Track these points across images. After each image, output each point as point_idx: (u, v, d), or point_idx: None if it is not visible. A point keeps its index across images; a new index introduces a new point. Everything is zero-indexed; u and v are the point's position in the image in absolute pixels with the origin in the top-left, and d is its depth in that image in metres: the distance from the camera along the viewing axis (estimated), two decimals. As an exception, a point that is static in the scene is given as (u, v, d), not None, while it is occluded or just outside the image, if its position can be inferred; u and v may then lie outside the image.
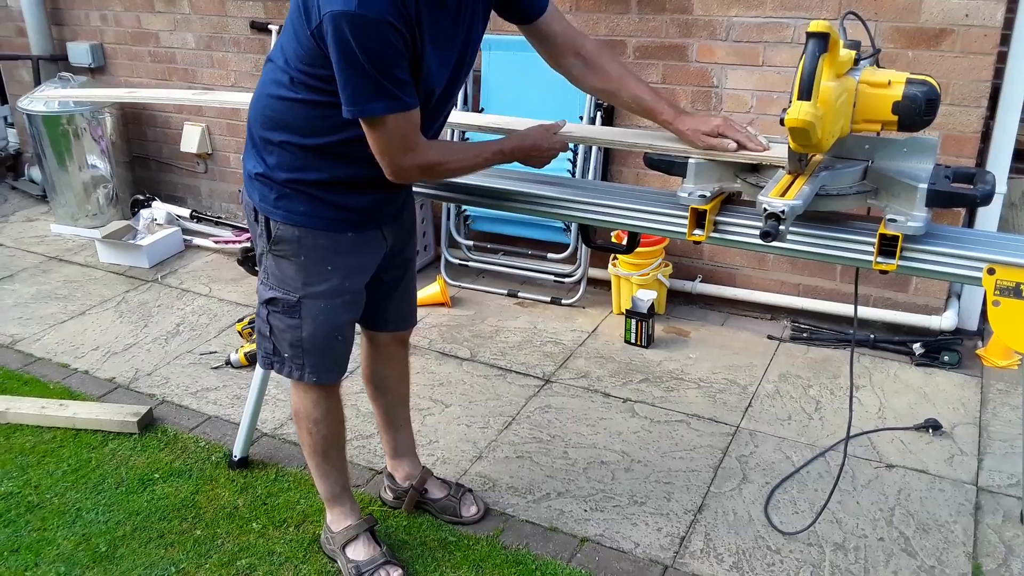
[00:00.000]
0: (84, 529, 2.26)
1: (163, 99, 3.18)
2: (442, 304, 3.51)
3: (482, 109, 3.52)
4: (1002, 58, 2.76)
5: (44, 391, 2.91)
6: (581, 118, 3.30)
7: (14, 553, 2.18)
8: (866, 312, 3.14)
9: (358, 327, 2.04)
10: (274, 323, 1.88)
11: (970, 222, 3.01)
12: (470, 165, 1.82)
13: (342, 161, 1.72)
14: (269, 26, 3.86)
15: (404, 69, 1.56)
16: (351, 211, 1.80)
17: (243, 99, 2.57)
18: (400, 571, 2.05)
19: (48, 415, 2.70)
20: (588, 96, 3.27)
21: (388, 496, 2.34)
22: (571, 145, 3.33)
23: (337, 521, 2.11)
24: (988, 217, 2.95)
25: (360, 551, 2.08)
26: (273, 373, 1.99)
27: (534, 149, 1.85)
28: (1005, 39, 2.72)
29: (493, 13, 1.80)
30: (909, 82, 1.58)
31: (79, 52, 4.65)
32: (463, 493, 2.30)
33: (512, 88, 3.44)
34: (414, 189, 2.28)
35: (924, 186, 1.58)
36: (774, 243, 1.57)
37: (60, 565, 2.13)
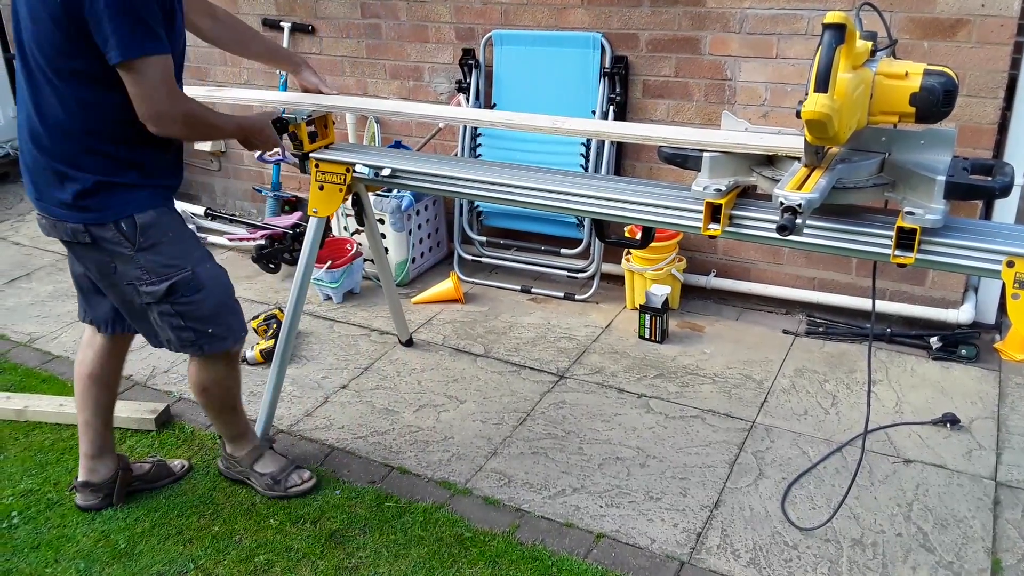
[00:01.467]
0: (103, 526, 2.28)
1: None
2: (455, 300, 3.51)
3: (494, 104, 3.52)
4: (1019, 48, 2.73)
5: (62, 389, 2.94)
6: (593, 112, 3.29)
7: (34, 550, 2.20)
8: (882, 306, 3.12)
9: (90, 329, 2.24)
10: (182, 309, 2.01)
11: (987, 214, 2.98)
12: (219, 126, 2.02)
13: (142, 139, 1.88)
14: (281, 23, 3.87)
15: (159, 17, 1.76)
16: (168, 181, 2.03)
17: (257, 96, 2.58)
18: (308, 472, 2.33)
19: (66, 412, 2.72)
20: (600, 92, 3.26)
21: (92, 500, 2.29)
22: (583, 140, 3.35)
23: (240, 448, 2.35)
24: (1006, 209, 2.92)
25: (269, 464, 2.35)
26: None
27: (259, 133, 2.08)
28: (1022, 29, 2.69)
29: None
30: (927, 73, 1.57)
31: (93, 52, 4.68)
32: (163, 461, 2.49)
33: (524, 83, 3.43)
34: (427, 186, 2.29)
35: (942, 178, 1.56)
36: (791, 237, 1.56)
37: (80, 562, 2.15)
